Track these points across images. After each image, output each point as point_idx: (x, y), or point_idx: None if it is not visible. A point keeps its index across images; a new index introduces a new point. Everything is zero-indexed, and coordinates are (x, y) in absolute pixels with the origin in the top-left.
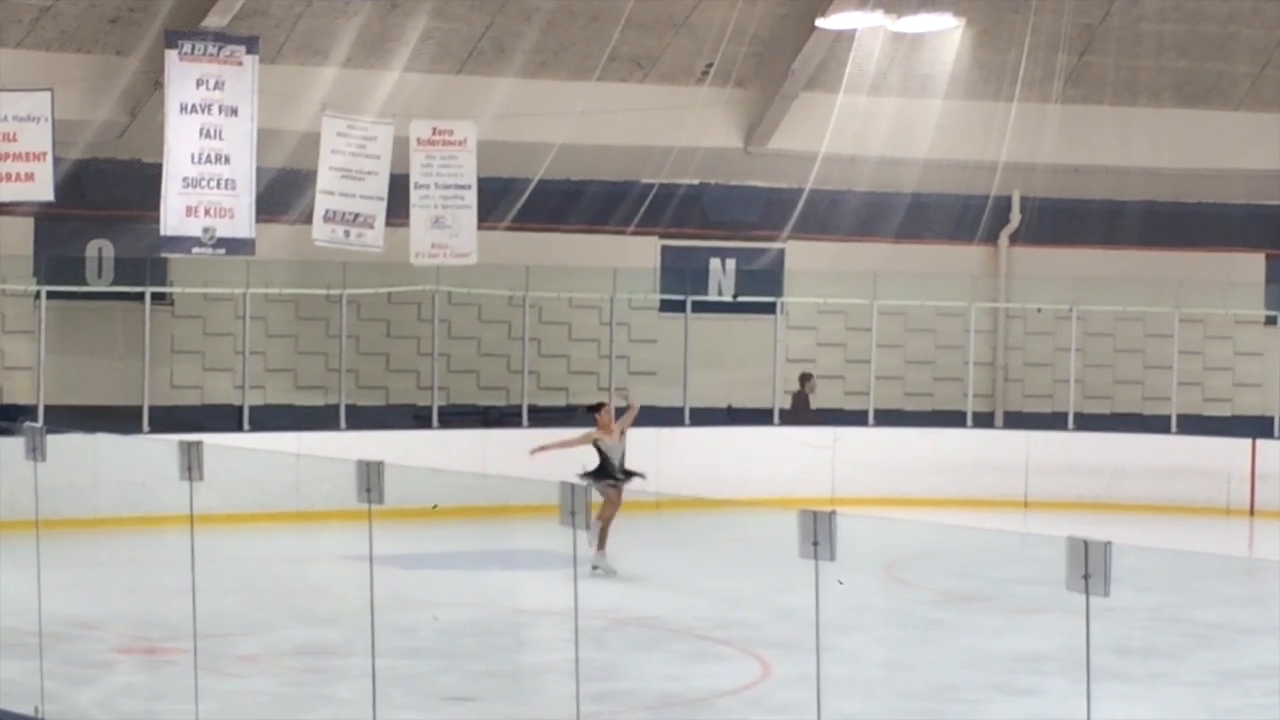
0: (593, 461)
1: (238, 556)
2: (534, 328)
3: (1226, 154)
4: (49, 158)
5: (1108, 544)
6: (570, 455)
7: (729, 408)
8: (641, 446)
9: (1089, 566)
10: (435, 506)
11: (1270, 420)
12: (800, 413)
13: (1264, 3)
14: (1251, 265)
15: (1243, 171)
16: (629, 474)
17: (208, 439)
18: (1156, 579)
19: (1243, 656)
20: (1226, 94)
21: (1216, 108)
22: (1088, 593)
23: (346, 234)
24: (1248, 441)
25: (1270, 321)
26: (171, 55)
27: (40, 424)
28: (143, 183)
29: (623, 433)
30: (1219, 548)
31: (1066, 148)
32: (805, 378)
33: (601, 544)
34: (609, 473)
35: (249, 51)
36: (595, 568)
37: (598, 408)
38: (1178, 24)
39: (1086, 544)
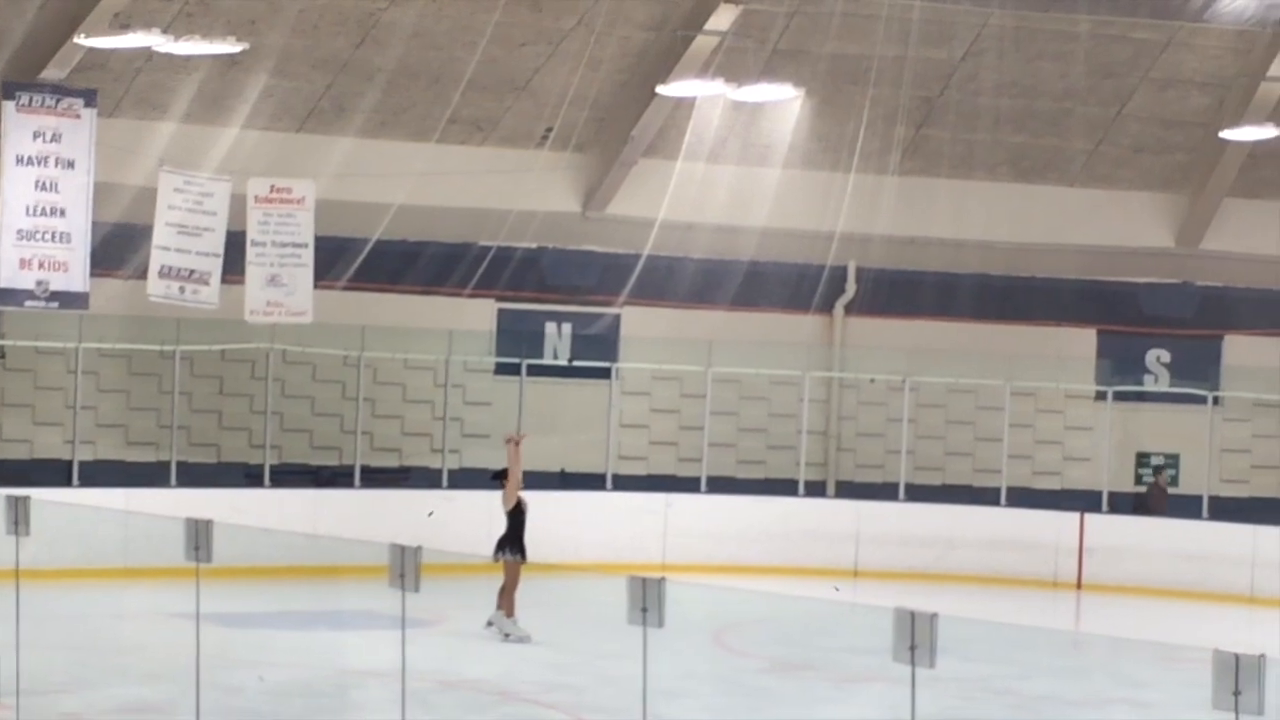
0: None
1: (63, 613)
2: (368, 388)
3: (1060, 229)
4: None
5: (934, 615)
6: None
7: (562, 472)
8: (474, 510)
9: (915, 637)
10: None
11: (1099, 494)
12: (1158, 501)
13: (1099, 80)
14: (1082, 340)
15: (1076, 247)
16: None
17: (35, 493)
18: (984, 650)
19: None
20: (1061, 170)
21: (1051, 183)
22: (914, 663)
23: (181, 290)
24: (1076, 515)
25: (1100, 396)
26: (8, 107)
27: None
28: None
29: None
30: (1046, 620)
31: (902, 219)
32: (1159, 469)
33: (510, 610)
34: (520, 541)
35: (87, 105)
36: (508, 635)
37: (503, 474)
38: (1014, 99)
39: (913, 615)
